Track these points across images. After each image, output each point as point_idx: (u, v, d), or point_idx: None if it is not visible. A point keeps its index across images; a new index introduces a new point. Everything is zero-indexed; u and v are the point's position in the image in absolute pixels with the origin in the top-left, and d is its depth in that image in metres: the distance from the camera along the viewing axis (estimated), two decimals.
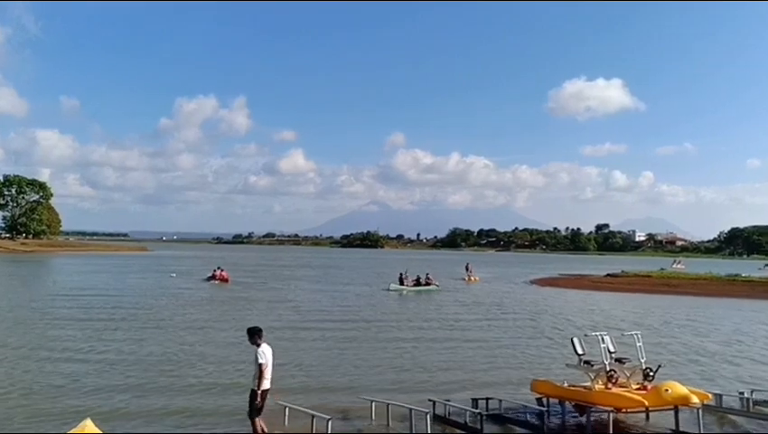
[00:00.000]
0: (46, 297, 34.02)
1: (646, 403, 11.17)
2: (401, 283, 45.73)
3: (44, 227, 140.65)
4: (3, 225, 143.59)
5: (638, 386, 11.87)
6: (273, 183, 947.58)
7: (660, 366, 12.30)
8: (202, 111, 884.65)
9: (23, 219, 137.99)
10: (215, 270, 52.50)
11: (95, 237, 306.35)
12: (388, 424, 11.62)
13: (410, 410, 11.07)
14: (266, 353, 10.16)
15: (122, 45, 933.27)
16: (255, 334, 10.36)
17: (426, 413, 10.55)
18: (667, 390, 11.18)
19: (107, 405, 12.71)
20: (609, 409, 11.19)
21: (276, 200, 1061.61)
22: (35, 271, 63.08)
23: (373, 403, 12.38)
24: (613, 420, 11.75)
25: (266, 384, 10.10)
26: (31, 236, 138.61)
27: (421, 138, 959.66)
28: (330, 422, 9.80)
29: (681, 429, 11.51)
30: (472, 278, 59.06)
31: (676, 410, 11.57)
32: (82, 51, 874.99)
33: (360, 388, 14.51)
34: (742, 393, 13.34)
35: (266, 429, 10.28)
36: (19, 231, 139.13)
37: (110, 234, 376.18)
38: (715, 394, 13.20)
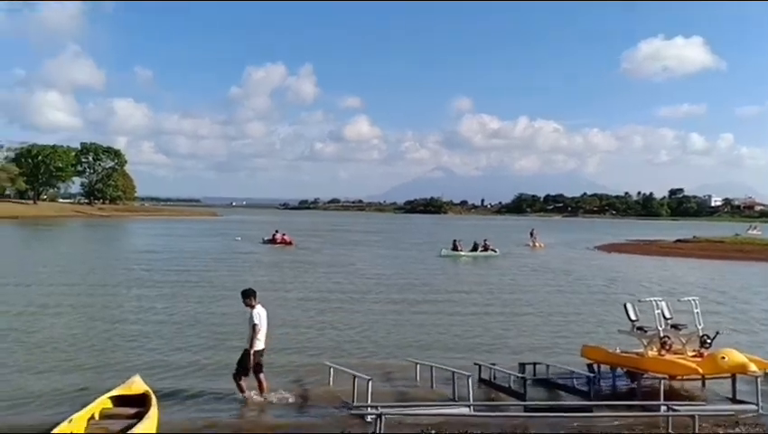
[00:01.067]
0: (117, 260, 35.53)
1: (701, 371, 10.71)
2: (455, 249, 45.13)
3: (120, 193, 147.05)
4: (81, 191, 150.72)
5: (694, 353, 11.40)
6: (338, 149, 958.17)
7: (717, 333, 11.74)
8: (271, 79, 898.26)
9: (100, 185, 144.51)
10: (275, 233, 53.74)
11: (168, 202, 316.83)
12: (432, 386, 11.59)
13: (453, 372, 10.97)
14: (261, 314, 10.31)
15: (192, 16, 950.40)
16: (249, 297, 10.42)
17: (469, 376, 10.41)
18: (723, 357, 10.68)
19: (157, 362, 13.19)
20: (662, 376, 10.79)
21: (341, 166, 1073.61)
22: (111, 235, 66.06)
23: (418, 365, 12.37)
24: (667, 388, 11.39)
25: (259, 345, 10.30)
26: (107, 201, 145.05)
27: (488, 103, 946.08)
28: (370, 383, 9.82)
29: (738, 397, 11.03)
30: (537, 244, 57.37)
31: (733, 378, 11.10)
32: (154, 23, 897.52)
33: (409, 351, 14.50)
34: None
35: (264, 384, 10.47)
36: (96, 197, 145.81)
37: (183, 200, 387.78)
38: None
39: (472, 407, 9.93)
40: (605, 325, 18.03)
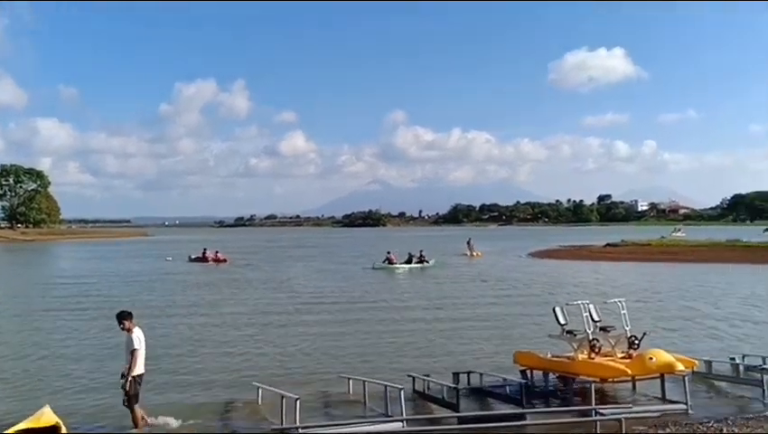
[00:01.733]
0: (34, 286, 33.79)
1: (629, 372, 10.75)
2: (389, 262, 44.25)
3: (44, 215, 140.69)
4: (2, 215, 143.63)
5: (623, 355, 11.46)
6: (274, 165, 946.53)
7: (645, 334, 11.86)
8: (202, 95, 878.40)
9: (22, 208, 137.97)
10: (204, 251, 52.74)
11: (97, 224, 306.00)
12: (365, 402, 11.25)
13: (385, 386, 10.68)
14: (140, 338, 9.75)
15: (118, 32, 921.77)
16: (124, 319, 9.81)
17: (401, 389, 10.13)
18: (651, 358, 10.75)
19: (73, 394, 12.39)
20: (592, 379, 10.79)
21: (277, 182, 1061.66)
22: (32, 260, 63.05)
23: (350, 381, 12.03)
24: (599, 391, 11.41)
25: (139, 369, 9.72)
26: (31, 225, 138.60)
27: (422, 115, 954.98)
28: (298, 402, 9.39)
29: (668, 397, 11.15)
30: (475, 254, 57.44)
31: (662, 378, 11.20)
32: (78, 39, 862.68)
33: (344, 366, 14.14)
34: (732, 359, 12.93)
35: (146, 418, 9.89)
36: (19, 221, 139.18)
37: (113, 221, 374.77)
38: (704, 361, 12.83)
39: (404, 422, 9.65)
40: (540, 330, 18.10)
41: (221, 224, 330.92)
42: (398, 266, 43.94)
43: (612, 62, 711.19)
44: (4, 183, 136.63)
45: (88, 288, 31.92)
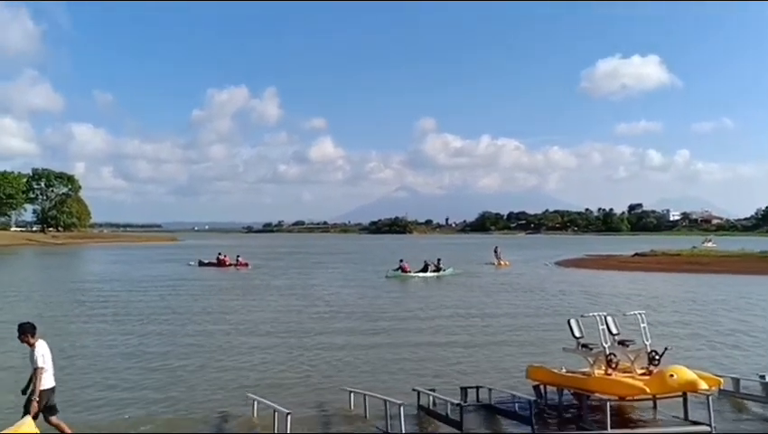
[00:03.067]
0: (54, 291, 33.91)
1: (648, 390, 9.98)
2: (403, 271, 42.53)
3: (74, 219, 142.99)
4: (34, 219, 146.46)
5: (642, 371, 10.70)
6: (302, 171, 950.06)
7: (666, 349, 11.05)
8: (234, 102, 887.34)
9: (54, 212, 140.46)
10: (219, 255, 53.38)
11: (129, 228, 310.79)
12: (366, 416, 10.68)
13: (385, 401, 10.08)
14: (44, 354, 8.88)
15: (153, 38, 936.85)
16: (25, 333, 8.91)
17: (400, 405, 9.53)
18: (672, 375, 9.98)
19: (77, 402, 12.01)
20: (608, 397, 10.05)
21: (305, 188, 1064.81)
22: (59, 263, 63.55)
23: (351, 394, 11.46)
24: (617, 409, 10.69)
25: (47, 383, 8.90)
26: (62, 229, 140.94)
27: (451, 122, 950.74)
28: (289, 416, 8.86)
29: (691, 417, 10.36)
30: (503, 263, 55.59)
31: (684, 397, 10.43)
32: (114, 46, 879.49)
33: (348, 380, 13.53)
34: (762, 377, 12.01)
35: (64, 427, 9.14)
36: (50, 224, 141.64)
37: (144, 225, 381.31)
38: (731, 378, 11.98)
39: None
40: (560, 343, 17.35)
41: (250, 230, 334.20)
42: (412, 274, 42.30)
43: (646, 70, 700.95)
44: (35, 187, 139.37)
45: (104, 292, 31.97)
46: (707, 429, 9.75)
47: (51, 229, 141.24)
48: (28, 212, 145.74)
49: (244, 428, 10.36)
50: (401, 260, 44.54)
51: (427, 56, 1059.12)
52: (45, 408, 8.95)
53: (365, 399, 10.85)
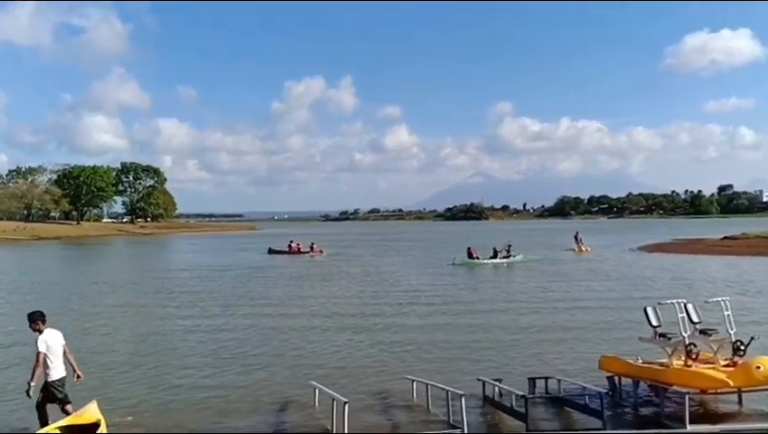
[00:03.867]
0: (140, 279, 35.28)
1: (731, 383, 9.23)
2: (470, 257, 41.30)
3: (161, 210, 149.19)
4: (123, 210, 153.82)
5: (726, 363, 9.92)
6: (377, 160, 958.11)
7: (753, 338, 10.19)
8: (311, 93, 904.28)
9: (141, 203, 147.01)
10: (290, 243, 55.25)
11: (212, 218, 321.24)
12: (428, 407, 10.38)
13: (447, 391, 9.73)
14: (47, 340, 8.80)
15: (233, 33, 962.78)
16: (35, 321, 8.89)
17: (462, 395, 9.15)
18: (759, 367, 9.18)
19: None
20: (687, 389, 9.34)
21: (380, 176, 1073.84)
22: (145, 252, 66.30)
23: (414, 383, 11.18)
24: (697, 403, 9.96)
25: (54, 374, 8.84)
26: (149, 219, 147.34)
27: (529, 106, 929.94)
28: (346, 406, 8.65)
29: None
30: (584, 248, 53.24)
31: None
32: (197, 44, 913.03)
33: (413, 369, 13.27)
34: None
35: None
36: (138, 215, 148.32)
37: (226, 215, 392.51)
38: None
39: (465, 431, 8.76)
40: (635, 332, 16.48)
41: (327, 218, 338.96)
42: (480, 261, 41.03)
43: (737, 44, 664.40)
44: (124, 179, 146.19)
45: (184, 280, 33.13)
46: None
47: (139, 219, 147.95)
48: (118, 204, 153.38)
49: (304, 415, 10.28)
50: (469, 247, 43.35)
51: (504, 41, 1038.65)
52: (57, 400, 8.95)
53: (428, 388, 10.55)
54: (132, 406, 10.83)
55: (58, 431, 8.29)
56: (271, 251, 55.03)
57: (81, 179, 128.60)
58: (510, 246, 44.04)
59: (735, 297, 12.97)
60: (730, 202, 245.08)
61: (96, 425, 8.51)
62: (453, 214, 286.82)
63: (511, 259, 42.38)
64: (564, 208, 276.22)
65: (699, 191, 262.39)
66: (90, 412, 8.84)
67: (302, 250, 54.12)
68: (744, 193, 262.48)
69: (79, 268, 45.25)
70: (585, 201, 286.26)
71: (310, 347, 15.75)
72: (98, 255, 62.64)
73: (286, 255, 52.65)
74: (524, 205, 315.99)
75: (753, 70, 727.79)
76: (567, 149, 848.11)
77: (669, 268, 35.88)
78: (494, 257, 42.06)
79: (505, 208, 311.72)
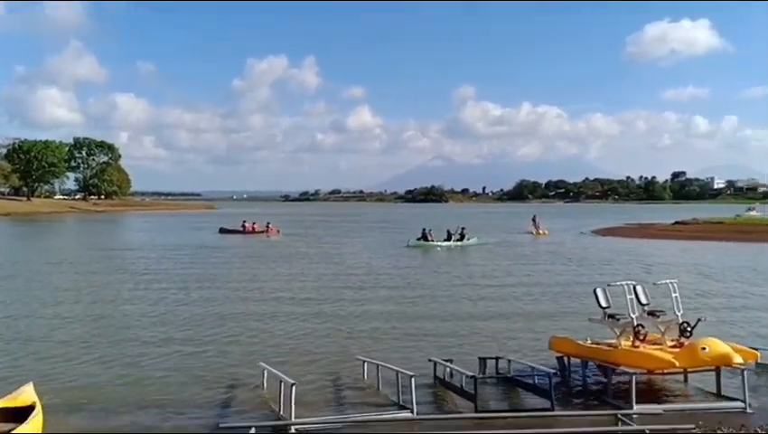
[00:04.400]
0: (89, 257, 34.41)
1: (677, 363, 9.36)
2: (425, 239, 41.09)
3: (115, 187, 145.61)
4: (76, 187, 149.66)
5: (673, 344, 10.05)
6: (339, 140, 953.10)
7: (699, 320, 10.35)
8: (273, 71, 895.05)
9: (95, 180, 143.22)
10: (244, 223, 54.93)
11: (169, 197, 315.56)
12: (378, 388, 10.28)
13: (397, 372, 9.62)
14: None
15: (195, 10, 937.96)
16: None
17: (411, 376, 9.06)
18: (704, 348, 9.33)
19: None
20: (634, 370, 9.42)
21: (342, 157, 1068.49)
22: (96, 230, 64.67)
23: (365, 365, 11.05)
24: (644, 383, 10.08)
25: None
26: (102, 196, 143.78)
27: (491, 90, 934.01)
28: (293, 388, 8.46)
29: (724, 393, 9.72)
30: (541, 232, 53.59)
31: (717, 371, 9.79)
32: (157, 18, 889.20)
33: (365, 350, 13.16)
34: None
35: None
36: (91, 192, 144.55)
37: (184, 194, 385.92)
38: None
39: (414, 412, 8.68)
40: (585, 313, 16.67)
41: (287, 198, 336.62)
42: (434, 243, 40.92)
43: (696, 34, 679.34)
44: (77, 155, 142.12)
45: (133, 259, 32.42)
46: (740, 405, 9.14)
47: (92, 197, 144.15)
48: (71, 181, 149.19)
49: (252, 397, 10.08)
50: (424, 229, 42.99)
51: (467, 25, 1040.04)
52: None
53: (378, 369, 10.45)
54: (75, 388, 10.46)
55: None
56: (222, 231, 54.16)
57: (32, 154, 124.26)
58: (463, 229, 43.67)
59: (681, 279, 13.13)
60: (682, 189, 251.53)
61: (31, 407, 8.19)
62: (413, 197, 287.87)
63: (465, 242, 42.21)
64: (522, 192, 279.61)
65: (653, 177, 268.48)
66: (26, 395, 8.52)
67: (257, 229, 53.52)
68: (697, 180, 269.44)
69: (28, 245, 43.86)
70: (543, 185, 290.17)
71: (263, 328, 15.45)
72: (49, 232, 60.89)
73: (240, 235, 51.97)
74: (483, 189, 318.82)
75: (710, 59, 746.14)
76: (527, 134, 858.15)
77: (618, 251, 36.65)
78: (448, 239, 41.89)
79: (465, 191, 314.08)
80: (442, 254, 37.10)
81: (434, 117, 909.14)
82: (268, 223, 55.18)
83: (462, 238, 42.50)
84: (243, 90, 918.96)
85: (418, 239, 41.39)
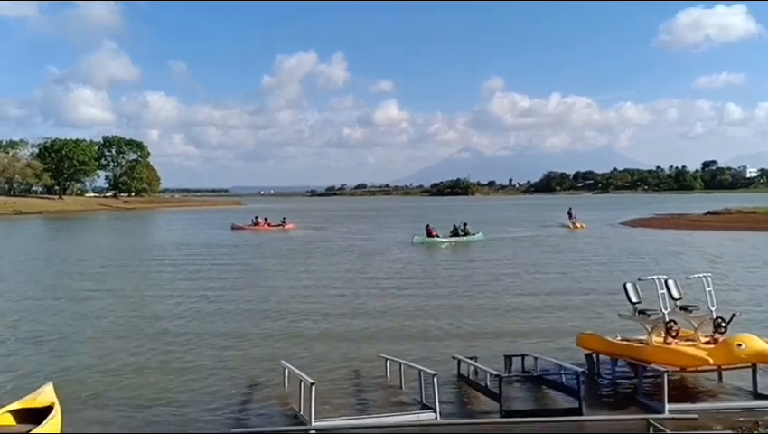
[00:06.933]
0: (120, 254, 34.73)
1: (711, 361, 8.95)
2: (429, 235, 39.21)
3: (145, 185, 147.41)
4: (106, 184, 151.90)
5: (707, 340, 9.66)
6: (366, 134, 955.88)
7: (734, 315, 9.95)
8: (302, 67, 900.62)
9: (124, 177, 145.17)
10: (256, 218, 55.09)
11: (198, 193, 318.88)
12: (401, 387, 10.05)
13: (420, 371, 9.37)
14: None
15: (225, 9, 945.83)
16: None
17: (434, 375, 8.78)
18: (740, 344, 8.93)
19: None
20: (666, 367, 9.06)
21: (369, 151, 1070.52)
22: (126, 227, 65.45)
23: (388, 363, 10.84)
24: (677, 381, 9.72)
25: None
26: (132, 194, 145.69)
27: (520, 82, 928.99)
28: (313, 387, 8.29)
29: (760, 391, 9.32)
30: (578, 225, 50.84)
31: (754, 368, 9.38)
32: (189, 18, 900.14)
33: (381, 341, 13.14)
34: None
35: None
36: (121, 190, 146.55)
37: (213, 190, 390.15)
38: None
39: (437, 412, 8.44)
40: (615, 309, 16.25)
41: (313, 193, 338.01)
42: (440, 240, 39.36)
43: (731, 20, 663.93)
44: (107, 153, 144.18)
45: (161, 255, 32.70)
46: None
47: (123, 194, 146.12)
48: (101, 179, 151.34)
49: (274, 396, 9.93)
50: (428, 225, 41.09)
51: (496, 16, 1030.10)
52: None
53: (401, 368, 10.22)
54: (94, 384, 10.44)
55: (9, 415, 7.92)
56: (234, 227, 53.79)
57: (63, 153, 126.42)
58: (465, 224, 41.48)
59: (716, 272, 12.67)
60: (714, 178, 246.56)
61: (49, 408, 8.14)
62: (439, 190, 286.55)
63: (469, 237, 40.53)
64: (550, 183, 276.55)
65: (684, 166, 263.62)
66: (45, 395, 8.47)
67: (271, 224, 53.83)
68: (729, 168, 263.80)
69: (57, 243, 44.43)
70: (571, 176, 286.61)
71: (282, 327, 15.25)
72: (79, 229, 61.70)
73: (252, 230, 52.14)
74: (510, 181, 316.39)
75: (745, 45, 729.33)
76: (556, 125, 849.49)
77: (649, 243, 35.92)
78: (455, 235, 40.33)
79: (491, 184, 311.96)
80: (457, 249, 36.14)
81: (461, 109, 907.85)
82: (284, 218, 55.97)
83: (465, 234, 40.68)
84: (272, 87, 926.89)
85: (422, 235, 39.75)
